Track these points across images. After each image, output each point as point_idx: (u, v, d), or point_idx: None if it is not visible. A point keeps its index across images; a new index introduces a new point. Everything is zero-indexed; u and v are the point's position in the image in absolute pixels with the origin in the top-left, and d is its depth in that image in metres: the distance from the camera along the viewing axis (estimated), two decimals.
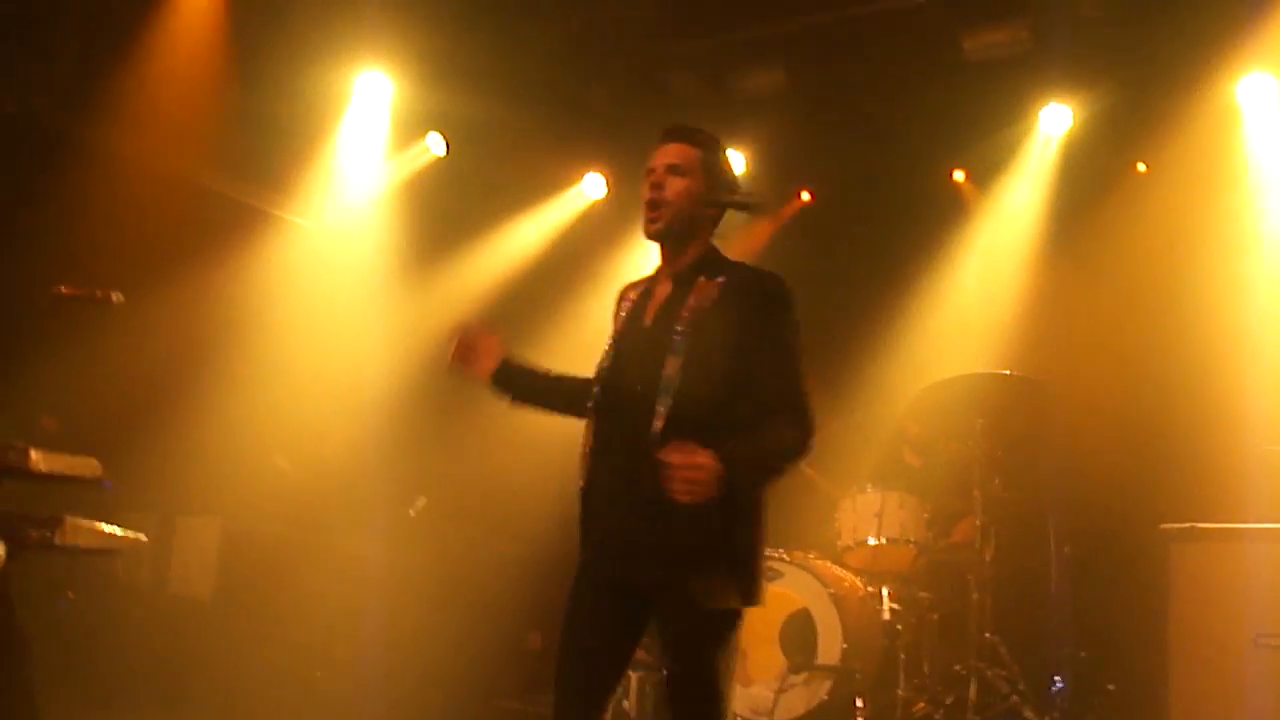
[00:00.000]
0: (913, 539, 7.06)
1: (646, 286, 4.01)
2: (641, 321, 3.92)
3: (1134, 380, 8.00)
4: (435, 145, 8.90)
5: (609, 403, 3.86)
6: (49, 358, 6.35)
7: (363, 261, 8.68)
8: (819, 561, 7.00)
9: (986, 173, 8.94)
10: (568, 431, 3.98)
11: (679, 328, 3.76)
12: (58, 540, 4.82)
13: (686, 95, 8.42)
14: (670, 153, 3.91)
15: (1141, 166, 8.45)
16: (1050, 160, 8.61)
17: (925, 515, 7.13)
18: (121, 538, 5.20)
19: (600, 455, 3.83)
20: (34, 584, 5.69)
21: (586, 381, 3.98)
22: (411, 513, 8.14)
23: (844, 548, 7.18)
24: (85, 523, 4.98)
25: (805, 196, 9.68)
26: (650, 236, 3.93)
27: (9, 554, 4.69)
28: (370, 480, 8.15)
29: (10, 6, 7.03)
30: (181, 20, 7.48)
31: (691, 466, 3.46)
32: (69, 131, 7.29)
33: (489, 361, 4.08)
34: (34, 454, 4.81)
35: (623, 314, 4.03)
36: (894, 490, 7.15)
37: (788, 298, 3.80)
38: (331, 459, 8.02)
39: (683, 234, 3.90)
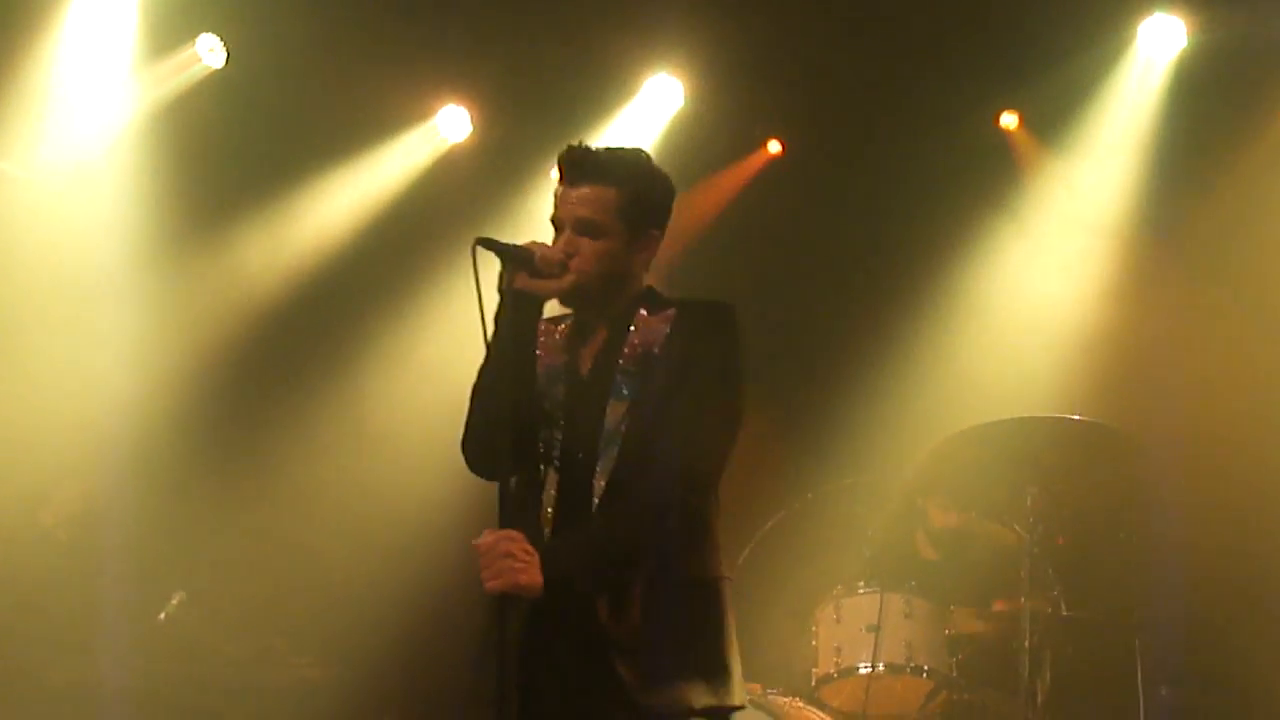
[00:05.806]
0: (926, 665, 6.85)
1: (572, 328, 4.26)
2: (576, 371, 4.20)
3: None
4: (209, 53, 8.49)
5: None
6: None
7: (101, 227, 8.23)
8: (784, 700, 6.79)
9: (1052, 116, 8.66)
10: (440, 477, 4.48)
11: (624, 365, 4.09)
12: None
13: None
14: (579, 201, 4.06)
15: None
16: (1151, 98, 8.38)
17: (946, 630, 6.91)
18: None
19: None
20: None
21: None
22: (162, 616, 7.79)
23: (822, 678, 6.95)
24: None
25: (774, 147, 9.39)
26: (563, 304, 4.17)
27: None
28: (101, 566, 7.73)
29: None
30: None
31: (497, 550, 3.70)
32: None
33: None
34: None
35: (541, 361, 4.25)
36: (898, 591, 6.93)
37: (734, 324, 4.11)
38: (49, 536, 7.67)
39: (606, 291, 4.15)
